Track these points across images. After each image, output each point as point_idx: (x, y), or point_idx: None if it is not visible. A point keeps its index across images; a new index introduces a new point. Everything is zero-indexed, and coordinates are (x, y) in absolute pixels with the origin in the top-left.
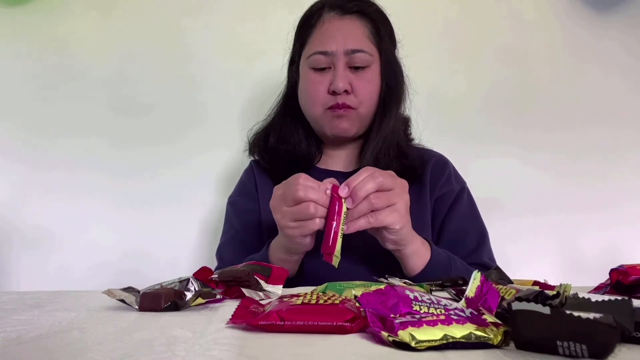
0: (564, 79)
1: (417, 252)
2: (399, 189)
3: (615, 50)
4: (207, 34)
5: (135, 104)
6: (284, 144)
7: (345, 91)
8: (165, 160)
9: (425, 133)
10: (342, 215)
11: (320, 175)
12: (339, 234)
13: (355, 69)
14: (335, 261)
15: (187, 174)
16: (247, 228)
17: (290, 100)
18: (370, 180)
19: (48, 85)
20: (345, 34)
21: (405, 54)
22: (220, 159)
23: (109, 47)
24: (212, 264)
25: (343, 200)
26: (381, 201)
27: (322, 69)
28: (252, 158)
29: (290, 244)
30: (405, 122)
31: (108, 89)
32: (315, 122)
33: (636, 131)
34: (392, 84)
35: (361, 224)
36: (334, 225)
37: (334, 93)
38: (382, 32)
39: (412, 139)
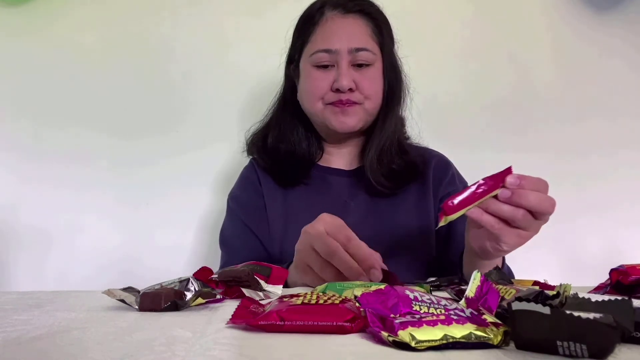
0: (564, 78)
1: (491, 265)
2: (540, 225)
3: (615, 50)
4: (204, 31)
5: (134, 104)
6: (284, 144)
7: (350, 89)
8: (164, 159)
9: (426, 133)
10: (486, 197)
11: (322, 172)
12: (466, 209)
13: (358, 66)
14: (441, 223)
15: (186, 173)
16: (254, 221)
17: (288, 99)
18: (540, 199)
19: (47, 84)
20: (348, 33)
21: (407, 53)
22: (219, 158)
23: (108, 46)
24: (211, 263)
25: (501, 186)
26: (522, 222)
27: (325, 67)
28: (251, 157)
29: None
30: (402, 121)
31: (108, 89)
32: (316, 119)
33: (637, 131)
34: (394, 82)
35: (485, 220)
36: (473, 199)
37: (337, 91)
38: (384, 31)
39: (409, 137)
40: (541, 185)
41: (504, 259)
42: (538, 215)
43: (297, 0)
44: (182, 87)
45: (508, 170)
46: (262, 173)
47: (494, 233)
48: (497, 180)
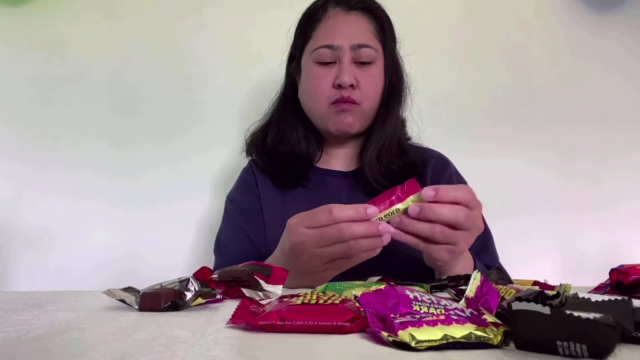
0: (564, 78)
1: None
2: (472, 232)
3: (615, 50)
4: (204, 33)
5: (134, 104)
6: (283, 144)
7: (351, 85)
8: (163, 160)
9: (427, 132)
10: (392, 208)
11: (321, 175)
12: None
13: (360, 64)
14: None
15: (186, 174)
16: (251, 224)
17: (289, 97)
18: (454, 212)
19: (47, 85)
20: (351, 29)
21: (407, 52)
22: (218, 159)
23: (109, 47)
24: (211, 263)
25: (410, 199)
26: (444, 238)
27: (327, 63)
28: (250, 158)
29: (315, 282)
30: (403, 122)
31: (108, 89)
32: (318, 119)
33: (636, 131)
34: (395, 81)
35: (408, 240)
36: (377, 210)
37: (339, 87)
38: (386, 29)
39: (409, 138)
40: (460, 195)
41: (474, 260)
42: (459, 227)
43: (296, 0)
44: (182, 88)
45: (413, 183)
46: (260, 175)
47: (424, 251)
48: (399, 190)
